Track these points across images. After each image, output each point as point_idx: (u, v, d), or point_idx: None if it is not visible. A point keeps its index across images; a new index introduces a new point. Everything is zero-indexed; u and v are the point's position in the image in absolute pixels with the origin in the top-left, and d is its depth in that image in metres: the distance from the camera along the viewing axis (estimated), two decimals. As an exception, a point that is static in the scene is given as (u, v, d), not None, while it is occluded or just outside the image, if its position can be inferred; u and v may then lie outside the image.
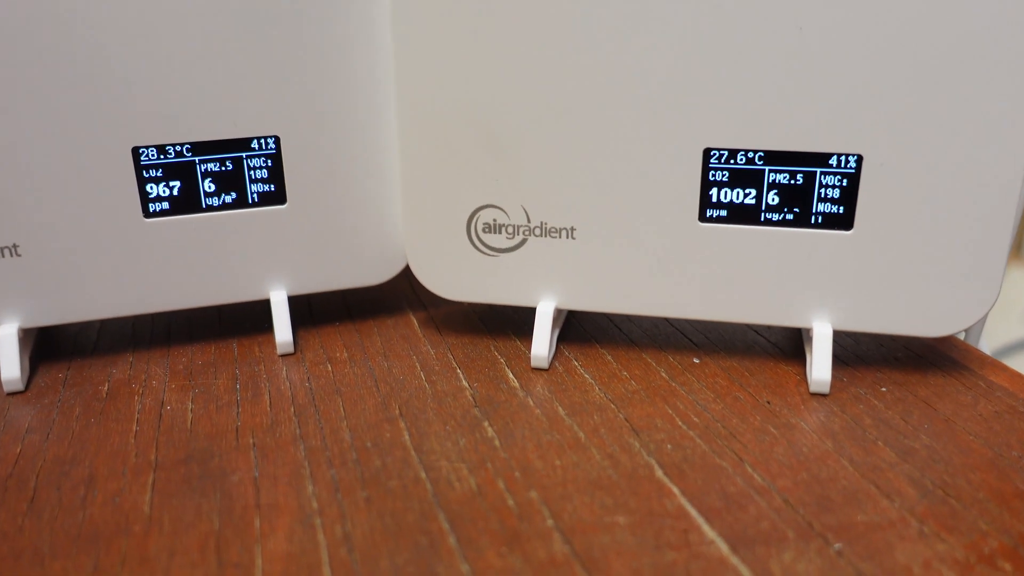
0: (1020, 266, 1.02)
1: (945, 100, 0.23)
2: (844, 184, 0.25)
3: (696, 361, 0.28)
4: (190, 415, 0.25)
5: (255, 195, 0.28)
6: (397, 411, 0.25)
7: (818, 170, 0.25)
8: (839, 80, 0.24)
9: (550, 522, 0.20)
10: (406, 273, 0.30)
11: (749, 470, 0.22)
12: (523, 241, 0.27)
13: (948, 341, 0.29)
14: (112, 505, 0.22)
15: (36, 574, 0.19)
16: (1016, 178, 0.24)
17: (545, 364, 0.27)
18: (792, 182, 0.25)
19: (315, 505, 0.21)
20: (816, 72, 0.24)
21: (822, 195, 0.25)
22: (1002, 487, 0.22)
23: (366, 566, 0.19)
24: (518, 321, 0.30)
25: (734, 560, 0.19)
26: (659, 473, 0.22)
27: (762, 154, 0.25)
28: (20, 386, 0.27)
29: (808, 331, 0.27)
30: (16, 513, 0.21)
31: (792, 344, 0.29)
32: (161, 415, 0.25)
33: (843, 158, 0.25)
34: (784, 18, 0.23)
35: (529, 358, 0.28)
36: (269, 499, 0.22)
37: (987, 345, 0.29)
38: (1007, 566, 0.19)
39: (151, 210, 0.27)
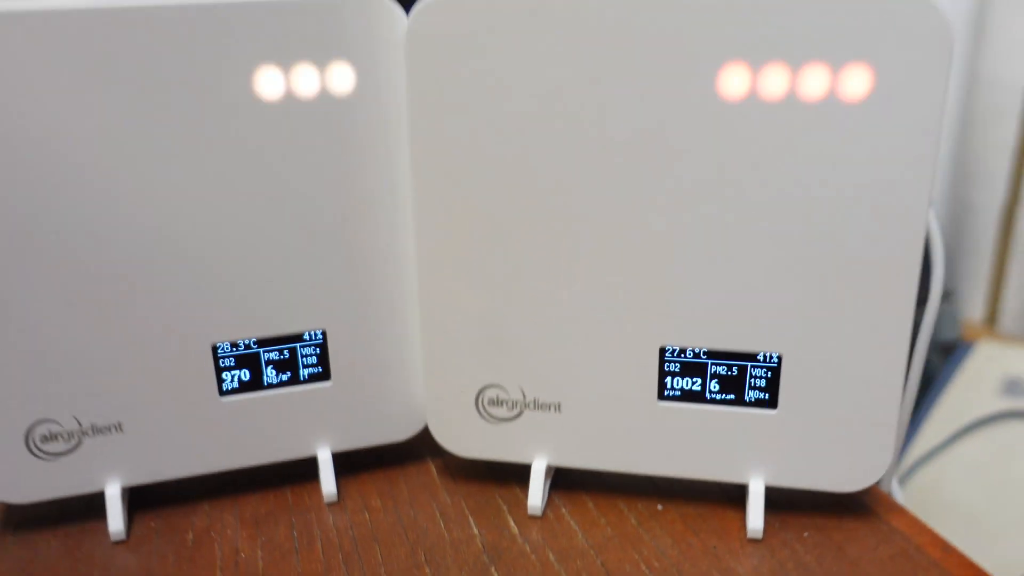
0: (992, 341, 1.09)
1: (841, 314, 0.30)
2: (769, 375, 0.32)
3: (659, 508, 0.35)
4: (260, 562, 0.32)
5: (306, 375, 0.35)
6: (423, 557, 0.32)
7: (749, 364, 0.32)
8: (762, 302, 0.31)
9: (542, 658, 0.27)
10: (426, 429, 0.37)
11: (695, 609, 0.29)
12: (520, 413, 0.34)
13: (865, 489, 0.35)
14: (209, 645, 0.28)
15: None
16: (899, 373, 0.31)
17: (539, 512, 0.34)
18: (729, 372, 0.32)
19: (363, 644, 0.28)
20: (745, 294, 0.31)
21: (752, 383, 0.32)
22: (886, 624, 0.28)
23: None
24: (518, 471, 0.37)
25: None
26: (626, 613, 0.29)
27: (705, 351, 0.32)
28: (123, 536, 0.34)
29: (747, 486, 0.34)
30: (136, 652, 0.28)
31: (739, 491, 0.36)
32: (237, 563, 0.32)
33: (767, 355, 0.32)
34: (719, 254, 0.31)
35: (527, 505, 0.35)
36: (328, 639, 0.28)
37: (899, 491, 0.36)
38: None
39: (224, 389, 0.34)
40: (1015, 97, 1.04)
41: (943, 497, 0.90)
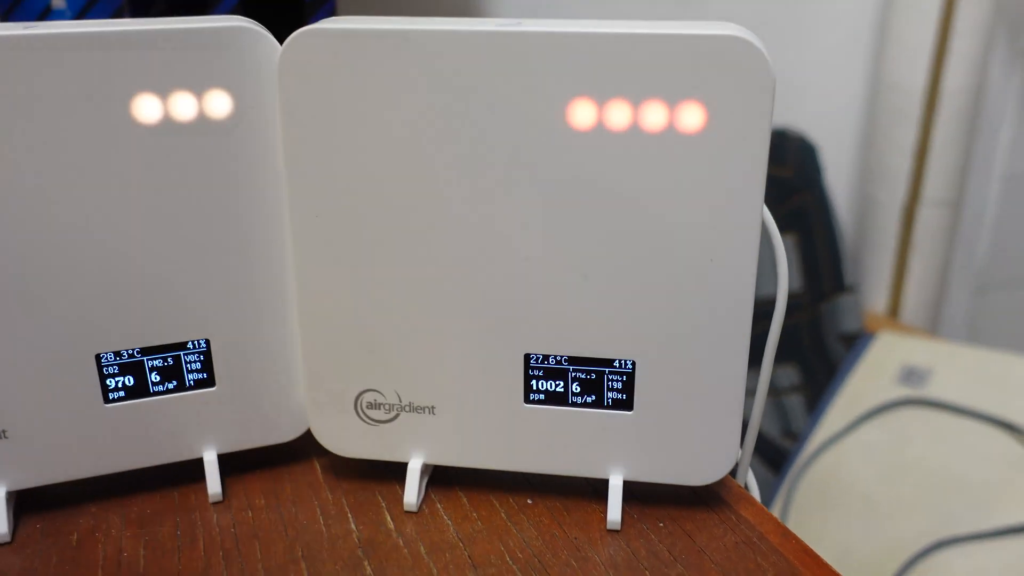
0: (893, 332, 1.14)
1: (685, 324, 0.33)
2: (624, 379, 0.34)
3: (529, 502, 0.37)
4: (142, 561, 0.34)
5: (191, 381, 0.37)
6: (300, 553, 0.34)
7: (606, 370, 0.34)
8: (616, 314, 0.33)
9: (401, 646, 0.29)
10: (310, 430, 0.39)
11: (550, 598, 0.31)
12: (396, 415, 0.36)
13: (721, 480, 0.38)
14: (86, 642, 0.30)
15: None
16: (740, 377, 0.33)
17: (415, 508, 0.36)
18: (589, 377, 0.35)
19: (235, 637, 0.30)
20: (600, 307, 0.33)
21: (610, 387, 0.35)
22: (720, 607, 0.31)
23: None
24: (397, 470, 0.39)
25: (524, 672, 0.28)
26: (485, 602, 0.31)
27: (566, 357, 0.34)
28: (8, 539, 0.35)
29: (607, 481, 0.36)
30: (14, 651, 0.29)
31: (604, 485, 0.38)
32: (120, 563, 0.34)
33: (623, 361, 0.34)
34: (575, 270, 0.33)
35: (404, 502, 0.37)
36: (201, 633, 0.30)
37: (754, 483, 0.39)
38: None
39: (110, 397, 0.36)
40: (915, 100, 1.09)
41: (843, 479, 0.95)
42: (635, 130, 0.31)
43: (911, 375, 1.05)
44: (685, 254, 0.32)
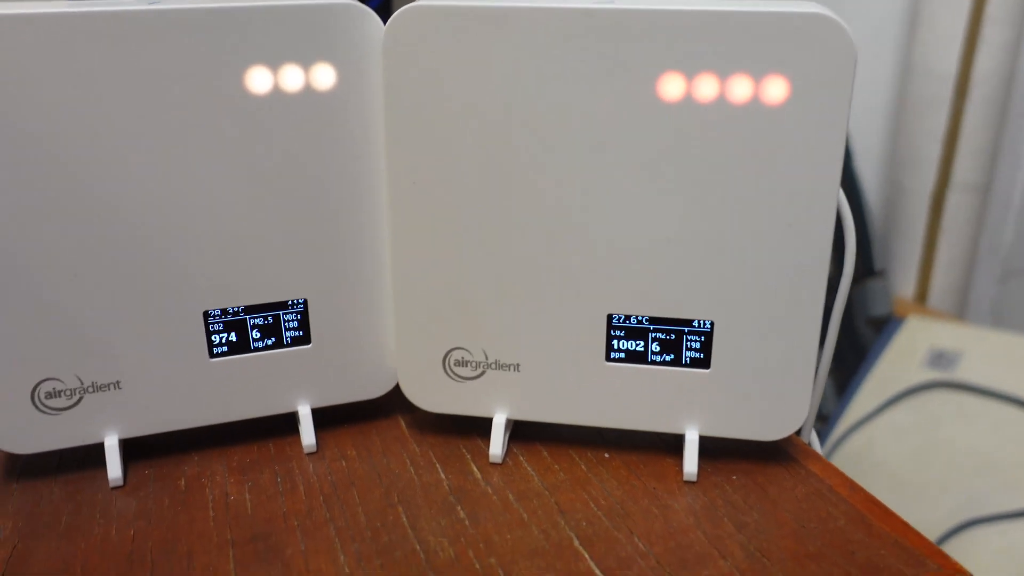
0: (921, 316, 1.15)
1: (765, 289, 0.35)
2: (702, 339, 0.36)
3: (607, 456, 0.39)
4: (249, 504, 0.36)
5: (288, 338, 0.39)
6: (396, 498, 0.36)
7: (685, 329, 0.36)
8: (697, 275, 0.35)
9: (503, 580, 0.31)
10: (397, 387, 0.41)
11: (636, 540, 0.34)
12: (483, 372, 0.38)
13: (787, 438, 0.40)
14: (210, 572, 0.32)
15: (168, 622, 0.30)
16: (814, 338, 0.35)
17: (499, 460, 0.38)
18: (668, 337, 0.37)
19: (347, 571, 0.32)
20: (681, 270, 0.35)
21: (688, 346, 0.37)
22: (798, 549, 0.33)
23: (385, 612, 0.30)
24: (479, 425, 0.41)
25: (619, 603, 0.30)
26: (576, 544, 0.33)
27: (647, 318, 0.37)
28: (121, 483, 0.37)
29: (684, 436, 0.38)
30: (143, 580, 0.32)
31: (677, 442, 0.40)
32: (228, 504, 0.36)
33: (701, 322, 0.36)
34: (659, 234, 0.35)
35: (488, 455, 0.39)
36: (315, 567, 0.32)
37: (816, 440, 0.41)
38: (789, 603, 0.30)
39: (215, 352, 0.38)
40: (946, 86, 1.10)
41: (873, 460, 0.97)
42: (722, 102, 0.33)
43: (940, 358, 1.07)
44: (765, 219, 0.34)
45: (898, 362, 1.08)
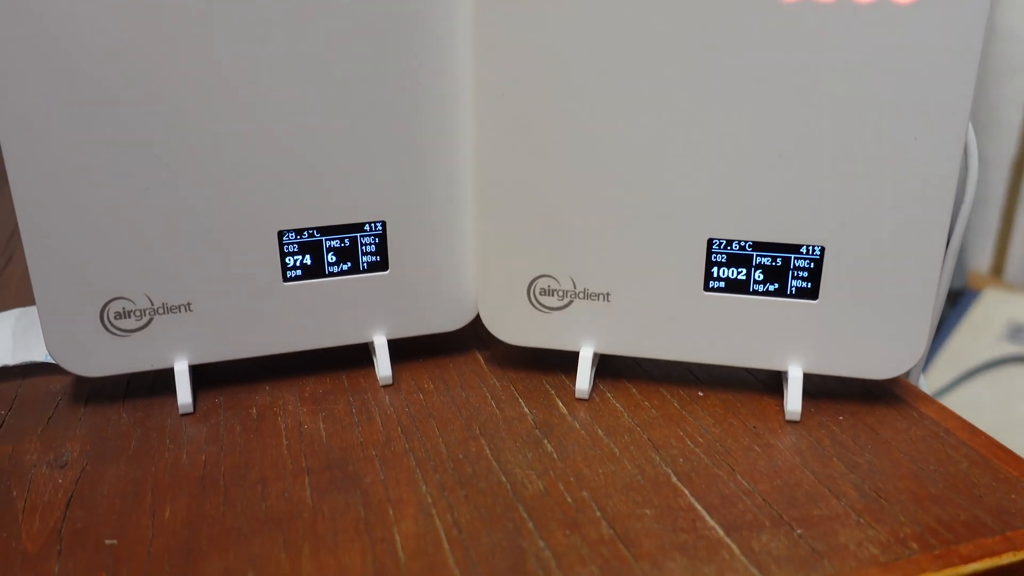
0: (998, 288, 1.11)
1: (882, 209, 0.32)
2: (811, 266, 0.34)
3: (700, 394, 0.37)
4: (323, 432, 0.34)
5: (365, 264, 0.37)
6: (478, 431, 0.34)
7: (792, 255, 0.34)
8: (808, 193, 0.32)
9: (598, 513, 0.29)
10: (474, 321, 0.39)
11: (739, 477, 0.31)
12: (570, 302, 0.36)
13: (894, 380, 0.37)
14: (284, 499, 0.30)
15: (242, 545, 0.28)
16: (934, 269, 0.32)
17: (586, 396, 0.36)
18: (773, 264, 0.34)
19: (429, 500, 0.30)
20: (791, 188, 0.32)
21: (795, 274, 0.34)
22: (918, 491, 0.30)
23: (472, 541, 0.28)
24: (563, 360, 0.39)
25: (728, 540, 0.28)
26: (674, 479, 0.31)
27: (751, 243, 0.34)
28: (191, 409, 0.35)
29: (785, 373, 0.35)
30: (217, 504, 0.30)
31: (774, 381, 0.37)
32: (302, 433, 0.34)
33: (810, 247, 0.33)
34: (770, 148, 0.32)
35: (573, 390, 0.37)
36: (395, 495, 0.30)
37: (924, 382, 0.38)
38: (915, 545, 0.28)
39: (288, 276, 0.36)
40: (1031, 49, 1.05)
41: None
42: (845, 1, 0.30)
43: (1019, 332, 1.02)
44: (889, 131, 0.31)
45: (975, 336, 1.03)
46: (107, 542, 0.28)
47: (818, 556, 0.27)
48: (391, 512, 0.29)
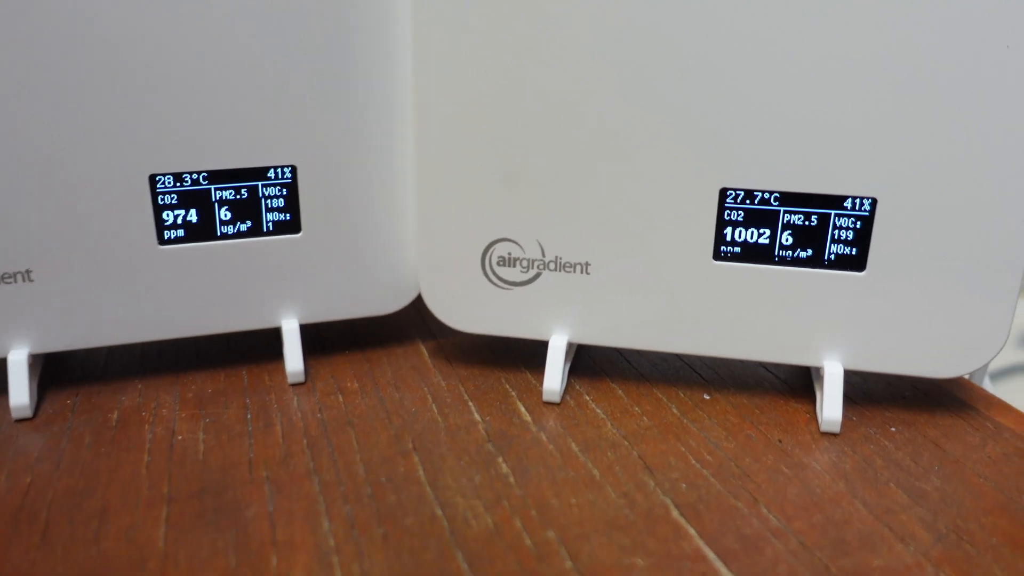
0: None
1: (960, 147, 0.24)
2: (858, 226, 0.25)
3: (706, 397, 0.28)
4: (202, 446, 0.25)
5: (270, 223, 0.28)
6: (411, 444, 0.25)
7: (833, 212, 0.25)
8: (856, 122, 0.24)
9: (568, 564, 0.20)
10: (415, 302, 0.30)
11: (764, 511, 0.22)
12: (537, 275, 0.28)
13: (954, 380, 0.29)
14: (126, 539, 0.21)
15: (52, 611, 0.19)
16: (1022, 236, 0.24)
17: (557, 398, 0.27)
18: (806, 223, 0.25)
19: (332, 542, 0.21)
20: (833, 113, 0.24)
21: (836, 236, 0.25)
22: (1015, 532, 0.22)
23: (386, 607, 0.19)
24: (527, 353, 0.30)
25: (753, 605, 0.19)
26: (675, 513, 0.22)
27: (778, 195, 0.25)
28: (28, 413, 0.27)
29: (818, 370, 0.27)
30: (28, 547, 0.21)
31: (800, 381, 0.29)
32: (172, 445, 0.25)
33: (858, 200, 0.25)
34: (804, 63, 0.24)
35: (540, 391, 0.28)
36: (285, 535, 0.22)
37: (991, 384, 0.30)
38: (1023, 614, 0.19)
39: (166, 237, 0.27)
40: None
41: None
42: None
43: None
44: (970, 40, 0.23)
45: None
46: None
47: (889, 632, 0.19)
48: (274, 561, 0.21)
